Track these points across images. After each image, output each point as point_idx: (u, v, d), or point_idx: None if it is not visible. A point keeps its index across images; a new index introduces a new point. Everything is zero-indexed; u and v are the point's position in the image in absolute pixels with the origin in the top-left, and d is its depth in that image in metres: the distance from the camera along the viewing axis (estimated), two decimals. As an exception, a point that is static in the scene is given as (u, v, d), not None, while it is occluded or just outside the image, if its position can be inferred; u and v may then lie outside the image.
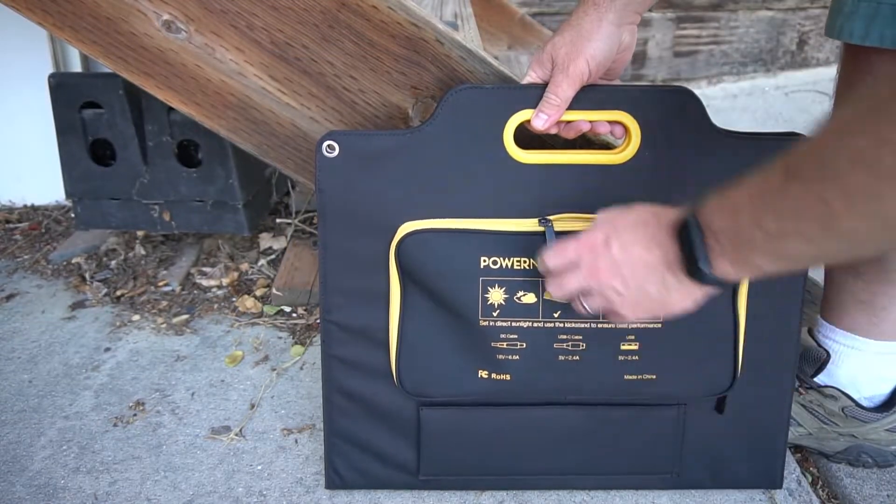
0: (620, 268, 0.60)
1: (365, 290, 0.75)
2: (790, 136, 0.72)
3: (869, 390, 0.83)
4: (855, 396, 0.83)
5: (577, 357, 0.73)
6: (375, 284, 0.74)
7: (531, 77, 0.73)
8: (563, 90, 0.69)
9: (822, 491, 0.85)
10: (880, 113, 0.40)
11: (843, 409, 0.82)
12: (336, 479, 0.81)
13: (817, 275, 0.95)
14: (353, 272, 0.74)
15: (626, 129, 0.71)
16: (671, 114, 0.70)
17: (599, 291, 0.62)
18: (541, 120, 0.70)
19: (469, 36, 1.40)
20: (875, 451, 0.84)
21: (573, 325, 0.72)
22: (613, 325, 0.72)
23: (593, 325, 0.72)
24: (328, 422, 0.80)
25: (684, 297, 0.59)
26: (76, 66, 1.51)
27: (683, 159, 0.71)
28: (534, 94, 0.71)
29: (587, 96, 0.70)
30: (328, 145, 0.72)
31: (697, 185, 0.67)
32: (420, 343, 0.74)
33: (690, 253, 0.54)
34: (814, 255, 0.49)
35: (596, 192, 0.71)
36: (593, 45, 0.68)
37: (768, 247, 0.50)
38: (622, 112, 0.70)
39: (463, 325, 0.73)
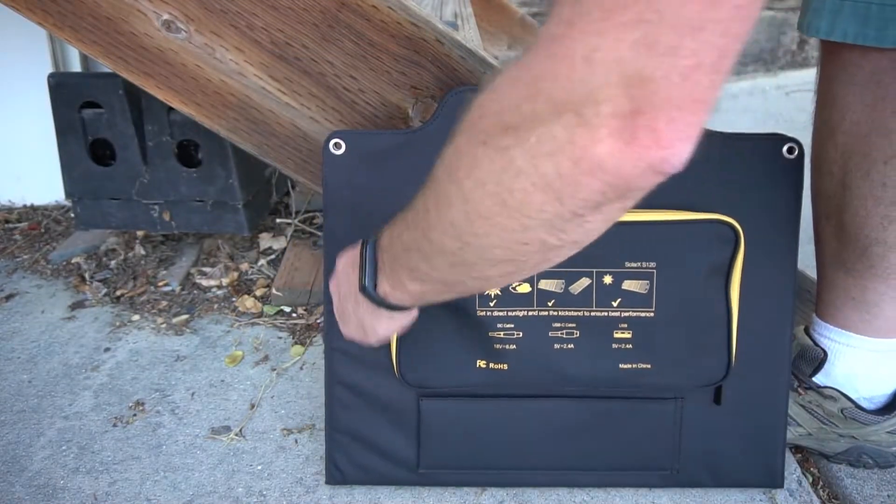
0: (338, 286, 0.65)
1: None
2: (773, 137, 0.75)
3: (867, 390, 0.83)
4: (853, 396, 0.82)
5: (572, 345, 0.74)
6: None
7: None
8: None
9: (823, 491, 0.85)
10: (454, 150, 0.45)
11: (842, 411, 0.82)
12: (337, 475, 0.81)
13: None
14: None
15: None
16: None
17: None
18: None
19: (469, 36, 1.40)
20: (876, 453, 0.84)
21: (567, 313, 0.74)
22: (606, 314, 0.74)
23: (586, 314, 0.74)
24: (329, 416, 0.81)
25: (375, 318, 0.60)
26: (76, 66, 1.51)
27: None
28: None
29: None
30: (335, 143, 0.76)
31: (683, 181, 0.69)
32: (420, 334, 0.75)
33: (362, 270, 0.57)
34: (435, 275, 0.51)
35: None
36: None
37: (404, 261, 0.52)
38: None
39: (461, 316, 0.74)
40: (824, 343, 0.83)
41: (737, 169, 0.75)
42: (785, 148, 0.75)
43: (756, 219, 0.75)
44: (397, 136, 0.78)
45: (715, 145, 0.74)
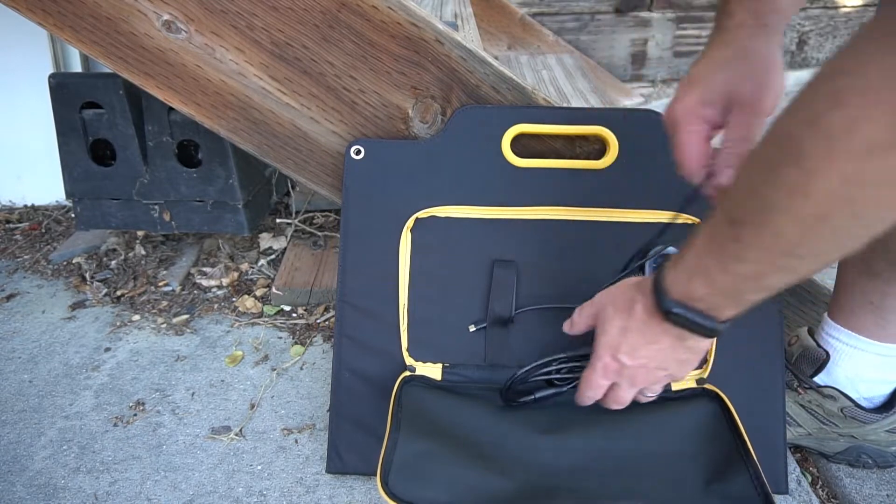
0: (647, 366, 0.64)
1: (378, 273, 0.83)
2: None
3: (868, 391, 0.83)
4: (854, 396, 0.83)
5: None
6: (388, 267, 0.83)
7: (691, 136, 0.65)
8: (749, 130, 0.63)
9: (822, 491, 0.85)
10: (800, 145, 0.42)
11: (841, 410, 0.82)
12: (337, 462, 0.83)
13: (819, 275, 0.95)
14: (369, 257, 0.84)
15: (605, 141, 0.84)
16: (644, 131, 0.84)
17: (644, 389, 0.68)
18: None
19: (469, 36, 1.40)
20: (875, 452, 0.84)
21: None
22: None
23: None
24: (335, 402, 0.83)
25: (699, 353, 0.64)
26: (76, 67, 1.51)
27: (654, 167, 0.83)
28: (528, 111, 0.84)
29: (575, 116, 0.84)
30: (355, 149, 0.85)
31: (668, 190, 0.82)
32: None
33: (696, 327, 0.57)
34: (800, 275, 0.50)
35: (581, 190, 0.83)
36: (779, 76, 0.62)
37: (754, 286, 0.52)
38: (602, 127, 0.83)
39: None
40: (832, 344, 0.83)
41: None
42: None
43: None
44: (410, 146, 0.85)
45: None
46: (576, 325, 0.71)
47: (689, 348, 0.62)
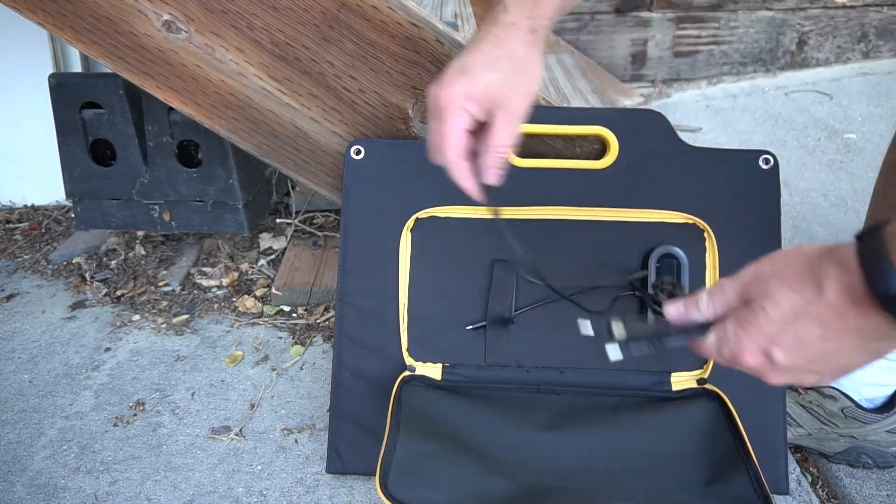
0: (803, 368, 0.48)
1: (378, 273, 0.83)
2: (750, 151, 0.83)
3: (871, 393, 0.83)
4: (855, 398, 0.83)
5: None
6: (388, 267, 0.83)
7: (452, 126, 0.64)
8: (511, 135, 0.63)
9: (822, 491, 0.85)
10: None
11: (842, 410, 0.82)
12: (337, 462, 0.83)
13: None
14: (369, 257, 0.84)
15: (605, 141, 0.84)
16: (644, 131, 0.84)
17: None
18: (495, 176, 0.65)
19: (469, 36, 1.40)
20: (875, 453, 0.84)
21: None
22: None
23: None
24: (335, 402, 0.83)
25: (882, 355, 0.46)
26: (76, 67, 1.51)
27: (655, 167, 0.83)
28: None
29: (575, 116, 0.84)
30: (355, 149, 0.85)
31: (668, 190, 0.82)
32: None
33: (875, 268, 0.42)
34: None
35: (581, 190, 0.83)
36: (532, 82, 0.63)
37: None
38: (602, 127, 0.83)
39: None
40: None
41: (717, 180, 0.82)
42: (761, 160, 0.82)
43: (737, 224, 0.82)
44: (410, 146, 0.85)
45: (698, 160, 0.83)
46: (703, 309, 0.52)
47: (878, 350, 0.46)
